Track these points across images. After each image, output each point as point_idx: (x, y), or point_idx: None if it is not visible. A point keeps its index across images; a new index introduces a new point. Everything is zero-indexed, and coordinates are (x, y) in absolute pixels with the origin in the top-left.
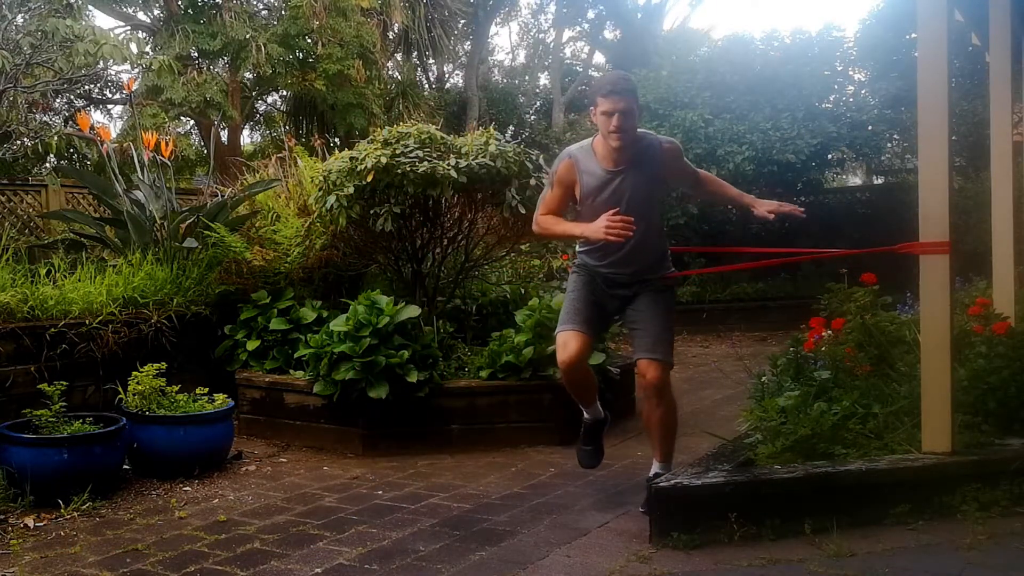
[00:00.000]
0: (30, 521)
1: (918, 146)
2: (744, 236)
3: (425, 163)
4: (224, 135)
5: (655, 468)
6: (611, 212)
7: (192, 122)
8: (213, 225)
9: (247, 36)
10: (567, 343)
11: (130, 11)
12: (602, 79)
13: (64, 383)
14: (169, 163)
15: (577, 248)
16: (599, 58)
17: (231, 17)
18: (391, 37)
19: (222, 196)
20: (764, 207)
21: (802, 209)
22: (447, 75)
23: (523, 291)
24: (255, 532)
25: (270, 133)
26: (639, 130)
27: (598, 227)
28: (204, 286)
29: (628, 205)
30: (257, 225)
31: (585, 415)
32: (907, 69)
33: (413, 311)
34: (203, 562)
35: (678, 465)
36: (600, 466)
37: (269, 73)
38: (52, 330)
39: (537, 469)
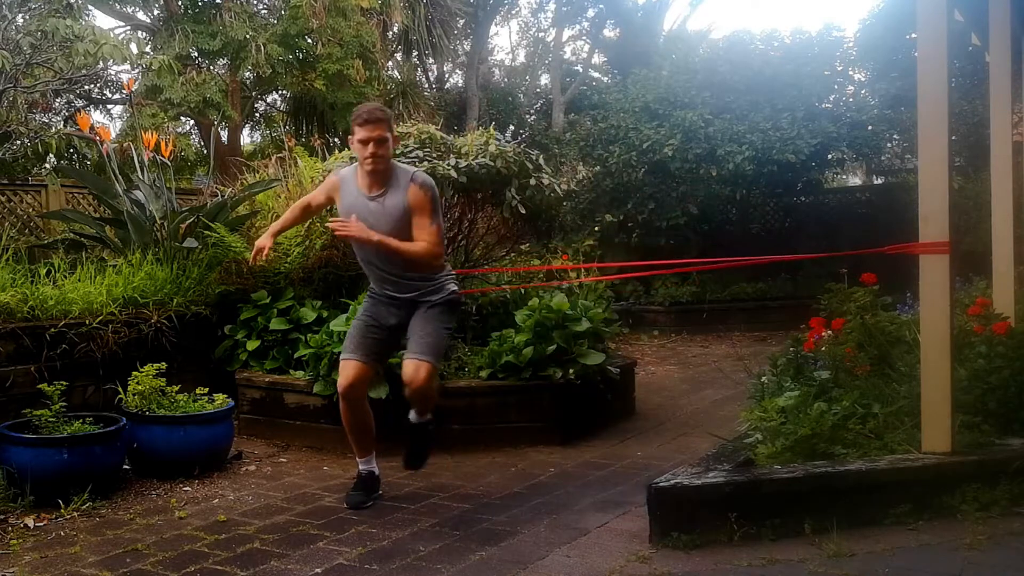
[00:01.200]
0: (30, 521)
1: (918, 146)
2: (744, 235)
3: (425, 163)
4: (224, 135)
5: (415, 418)
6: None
7: (192, 122)
8: (213, 225)
9: (247, 36)
10: (345, 371)
11: (130, 11)
12: (359, 109)
13: (64, 383)
14: (169, 163)
15: None
16: (599, 58)
17: (231, 17)
18: (391, 37)
19: (222, 196)
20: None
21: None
22: (447, 75)
23: (523, 291)
24: (255, 532)
25: (270, 133)
26: (399, 163)
27: (334, 225)
28: (204, 286)
29: (382, 228)
30: (257, 225)
31: (359, 465)
32: (907, 69)
33: None
34: (203, 562)
35: (678, 465)
36: (600, 466)
37: (269, 73)
38: (52, 330)
39: (537, 469)
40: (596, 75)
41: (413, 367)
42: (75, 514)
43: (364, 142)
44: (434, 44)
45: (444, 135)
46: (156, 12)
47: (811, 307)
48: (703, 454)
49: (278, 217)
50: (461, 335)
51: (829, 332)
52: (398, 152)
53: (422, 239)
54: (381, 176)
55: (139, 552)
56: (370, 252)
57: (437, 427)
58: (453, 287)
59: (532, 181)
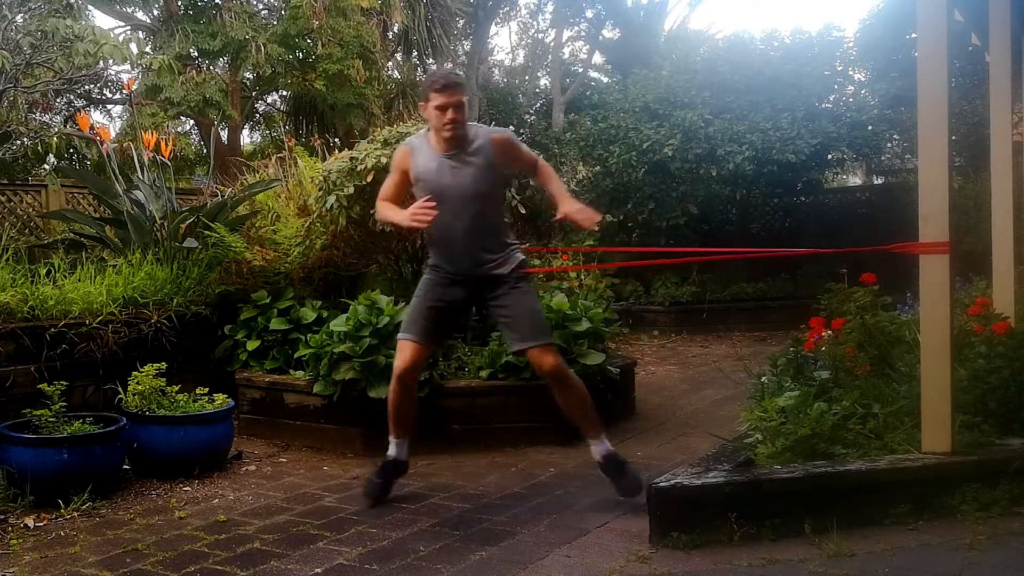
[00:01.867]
0: (30, 521)
1: (918, 146)
2: (744, 235)
3: None
4: (224, 135)
5: (597, 449)
6: (426, 199)
7: (192, 122)
8: (213, 225)
9: (247, 36)
10: (402, 351)
11: (129, 11)
12: (434, 74)
13: (64, 383)
14: (169, 163)
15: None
16: (599, 58)
17: (231, 17)
18: (391, 37)
19: (222, 196)
20: (564, 208)
21: (598, 218)
22: None
23: None
24: (255, 532)
25: (270, 133)
26: (471, 123)
27: (406, 214)
28: (204, 286)
29: (463, 194)
30: (257, 225)
31: (390, 447)
32: (907, 69)
33: None
34: (203, 562)
35: (678, 465)
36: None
37: (269, 73)
38: (52, 330)
39: (537, 469)
40: (596, 75)
41: (537, 356)
42: (75, 514)
43: (442, 108)
44: (434, 44)
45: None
46: (156, 12)
47: (811, 307)
48: (703, 454)
49: (278, 217)
50: (461, 335)
51: (829, 332)
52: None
53: (534, 161)
54: (460, 140)
55: (139, 552)
56: (458, 228)
57: (437, 427)
58: (520, 255)
59: (532, 181)
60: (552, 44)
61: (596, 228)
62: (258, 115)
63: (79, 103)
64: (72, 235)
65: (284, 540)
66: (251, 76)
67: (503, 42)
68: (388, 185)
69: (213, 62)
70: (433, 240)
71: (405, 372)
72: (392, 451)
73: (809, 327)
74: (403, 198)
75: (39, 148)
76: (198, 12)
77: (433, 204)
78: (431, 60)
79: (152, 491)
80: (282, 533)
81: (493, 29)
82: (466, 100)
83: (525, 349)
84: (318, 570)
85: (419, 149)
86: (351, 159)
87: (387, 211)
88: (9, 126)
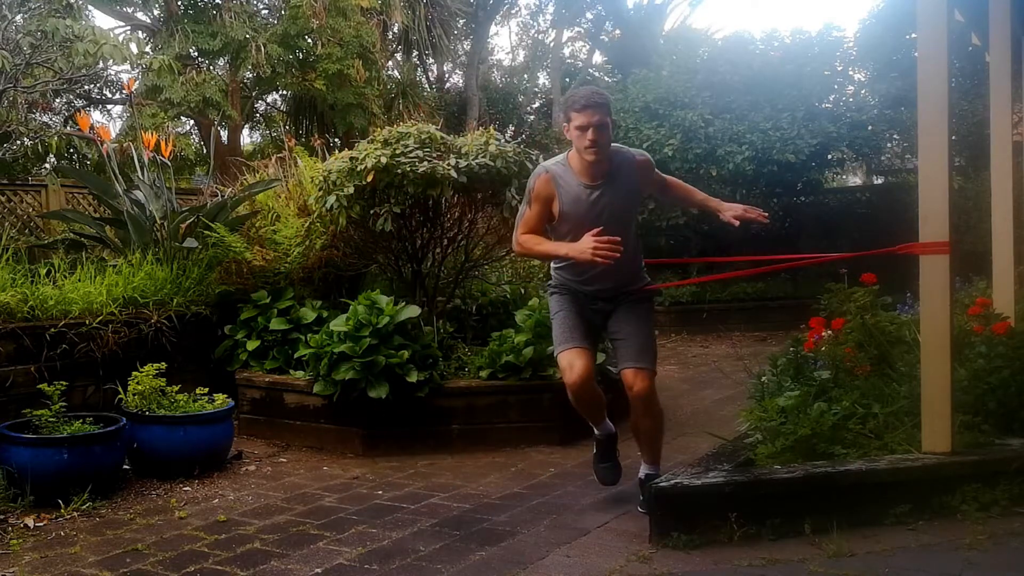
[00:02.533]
0: (30, 521)
1: (918, 146)
2: (744, 236)
3: (425, 163)
4: (224, 135)
5: (646, 470)
6: (594, 232)
7: (192, 122)
8: (213, 225)
9: (247, 36)
10: (572, 363)
11: (129, 11)
12: (575, 93)
13: (64, 383)
14: (169, 163)
15: (552, 266)
16: (599, 58)
17: (231, 17)
18: (391, 37)
19: (222, 196)
20: (729, 212)
21: (766, 215)
22: (447, 75)
23: (523, 291)
24: (255, 532)
25: (270, 133)
26: (613, 145)
27: (584, 248)
28: (204, 286)
29: (607, 220)
30: (257, 225)
31: (596, 431)
32: (907, 69)
33: (413, 311)
34: (203, 562)
35: (678, 465)
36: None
37: (269, 73)
38: (52, 330)
39: (537, 469)
40: (596, 74)
41: (632, 375)
42: (75, 514)
43: (583, 128)
44: (434, 44)
45: (444, 135)
46: (156, 12)
47: (811, 307)
48: (703, 454)
49: (278, 218)
50: (461, 335)
51: (829, 332)
52: (398, 152)
53: (663, 181)
54: (603, 165)
55: (139, 552)
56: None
57: (437, 427)
58: (647, 276)
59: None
60: (552, 44)
61: (766, 221)
62: (258, 115)
63: (79, 103)
64: (72, 235)
65: (284, 540)
66: (251, 76)
67: (503, 42)
68: (530, 217)
69: (213, 62)
70: (576, 266)
71: (585, 379)
72: (598, 431)
73: (809, 327)
74: (544, 228)
75: (39, 148)
76: (198, 12)
77: (619, 240)
78: (431, 60)
79: (152, 491)
80: (282, 533)
81: (493, 29)
82: (610, 121)
83: (627, 368)
84: (318, 570)
85: (561, 177)
86: (351, 159)
87: (542, 246)
88: (9, 126)
